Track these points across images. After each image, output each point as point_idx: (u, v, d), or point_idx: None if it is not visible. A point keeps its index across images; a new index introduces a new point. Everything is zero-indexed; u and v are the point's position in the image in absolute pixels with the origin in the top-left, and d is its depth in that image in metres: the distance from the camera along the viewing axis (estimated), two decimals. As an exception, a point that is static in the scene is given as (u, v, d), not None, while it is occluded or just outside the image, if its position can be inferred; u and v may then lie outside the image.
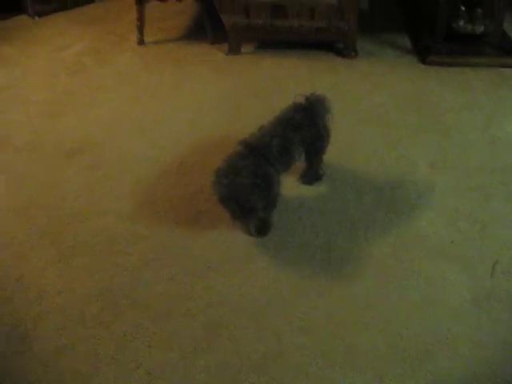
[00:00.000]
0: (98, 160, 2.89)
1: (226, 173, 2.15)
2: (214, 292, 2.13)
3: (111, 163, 2.86)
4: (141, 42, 4.07)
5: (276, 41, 3.98)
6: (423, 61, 3.70)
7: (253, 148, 2.23)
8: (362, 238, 2.35)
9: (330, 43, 3.95)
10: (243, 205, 2.14)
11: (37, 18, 4.52)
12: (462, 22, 3.59)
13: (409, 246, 2.32)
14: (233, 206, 2.16)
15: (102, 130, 3.14)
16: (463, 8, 3.55)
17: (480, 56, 3.63)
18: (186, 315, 2.05)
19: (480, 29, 3.59)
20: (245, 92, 3.47)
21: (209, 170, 2.28)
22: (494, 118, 3.14)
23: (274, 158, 2.24)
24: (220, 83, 3.60)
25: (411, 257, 2.26)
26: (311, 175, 2.65)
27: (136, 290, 2.15)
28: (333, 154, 2.71)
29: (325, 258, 2.26)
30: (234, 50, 3.90)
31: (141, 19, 3.97)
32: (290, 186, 2.61)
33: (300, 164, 2.57)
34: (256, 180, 2.13)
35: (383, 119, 3.15)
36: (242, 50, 3.95)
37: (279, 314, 2.04)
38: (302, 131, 2.37)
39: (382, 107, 3.27)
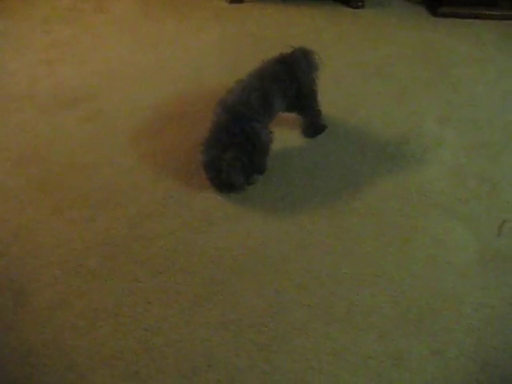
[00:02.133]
0: (97, 110, 2.80)
1: (211, 145, 2.18)
2: (215, 247, 2.08)
3: (110, 113, 2.77)
4: (140, -13, 3.90)
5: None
6: (433, 12, 3.55)
7: (233, 110, 2.19)
8: (367, 192, 2.28)
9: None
10: (223, 179, 2.20)
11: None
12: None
13: (414, 202, 2.25)
14: (214, 178, 2.23)
15: (100, 80, 3.04)
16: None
17: (493, 8, 3.48)
18: (185, 271, 2.00)
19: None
20: (247, 41, 3.35)
21: (209, 121, 2.24)
22: (506, 72, 3.03)
23: (255, 113, 2.21)
24: (222, 31, 3.47)
25: (416, 213, 2.20)
26: (312, 127, 2.57)
27: (135, 244, 2.09)
28: (336, 108, 2.63)
29: (326, 213, 2.20)
30: (237, -2, 3.74)
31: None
32: (291, 138, 2.53)
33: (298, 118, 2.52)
34: (239, 155, 2.16)
35: (389, 72, 3.05)
36: (245, -2, 3.79)
37: (280, 270, 1.99)
38: (281, 83, 2.31)
39: (389, 59, 3.15)
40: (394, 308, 1.87)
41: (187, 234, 2.14)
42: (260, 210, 2.22)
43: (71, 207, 2.26)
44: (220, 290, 1.94)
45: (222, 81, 2.88)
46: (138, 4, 3.80)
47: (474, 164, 2.44)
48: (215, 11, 3.70)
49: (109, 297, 1.92)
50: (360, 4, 3.63)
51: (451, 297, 1.89)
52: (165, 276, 1.99)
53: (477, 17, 3.48)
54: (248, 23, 3.55)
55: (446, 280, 1.95)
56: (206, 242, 2.11)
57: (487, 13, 3.48)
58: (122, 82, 2.99)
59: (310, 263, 2.01)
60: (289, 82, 2.31)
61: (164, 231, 2.15)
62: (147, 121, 2.69)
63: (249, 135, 2.17)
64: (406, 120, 2.68)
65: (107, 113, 2.77)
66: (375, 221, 2.17)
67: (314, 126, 2.54)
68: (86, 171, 2.43)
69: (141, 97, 2.87)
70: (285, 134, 2.54)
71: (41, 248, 2.10)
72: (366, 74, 3.02)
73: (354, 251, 2.05)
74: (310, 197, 2.26)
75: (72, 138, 2.63)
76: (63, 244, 2.11)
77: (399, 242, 2.09)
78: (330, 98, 2.62)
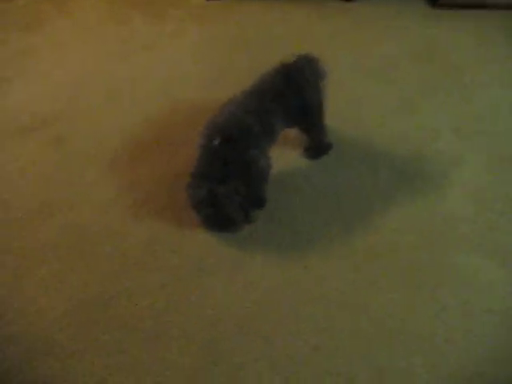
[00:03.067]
0: (62, 135, 2.43)
1: (203, 178, 1.81)
2: (212, 304, 1.77)
3: (78, 139, 2.41)
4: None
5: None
6: (433, 3, 3.23)
7: (226, 135, 1.81)
8: (382, 224, 1.98)
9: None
10: (221, 217, 1.82)
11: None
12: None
13: (437, 234, 1.95)
14: (209, 216, 1.84)
15: (64, 99, 2.66)
16: None
17: (497, -4, 3.17)
18: (178, 336, 1.68)
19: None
20: (229, 43, 3.00)
21: (193, 143, 1.89)
22: (521, 73, 2.72)
23: (253, 139, 1.85)
24: (199, 34, 3.11)
25: (441, 249, 1.91)
26: (316, 148, 2.24)
27: (116, 304, 1.76)
28: (338, 119, 2.31)
29: (340, 253, 1.89)
30: (216, -6, 3.38)
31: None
32: (292, 160, 2.21)
33: (300, 135, 2.18)
34: (237, 188, 1.81)
35: (393, 74, 2.72)
36: (225, -8, 3.43)
37: (290, 329, 1.70)
38: (284, 99, 1.95)
39: (391, 59, 2.83)
40: (431, 373, 1.56)
41: (178, 288, 1.81)
42: (262, 254, 1.89)
43: (38, 261, 1.90)
44: (221, 358, 1.62)
45: (204, 95, 2.56)
46: (104, 5, 3.40)
47: (498, 183, 2.14)
48: (192, 10, 3.33)
49: (89, 377, 1.58)
50: (350, -4, 3.28)
51: (497, 359, 1.59)
52: (154, 344, 1.67)
53: (481, 6, 3.17)
54: (229, 23, 3.19)
55: (487, 336, 1.65)
56: (200, 297, 1.78)
57: (492, 1, 3.16)
58: (90, 101, 2.62)
59: (325, 319, 1.71)
60: (292, 97, 1.97)
61: (151, 286, 1.82)
62: (121, 146, 2.34)
63: (247, 164, 1.83)
64: (419, 133, 2.36)
65: (74, 138, 2.40)
66: (395, 260, 1.86)
67: (317, 145, 2.22)
68: (52, 211, 2.07)
69: (112, 118, 2.51)
70: (284, 156, 2.21)
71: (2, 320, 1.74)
72: (368, 78, 2.69)
73: (375, 302, 1.75)
74: (320, 233, 1.95)
75: (33, 169, 2.26)
76: (29, 313, 1.76)
77: (427, 287, 1.79)
78: (329, 107, 2.29)
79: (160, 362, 1.62)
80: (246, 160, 1.83)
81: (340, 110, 2.41)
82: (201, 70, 2.79)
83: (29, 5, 3.39)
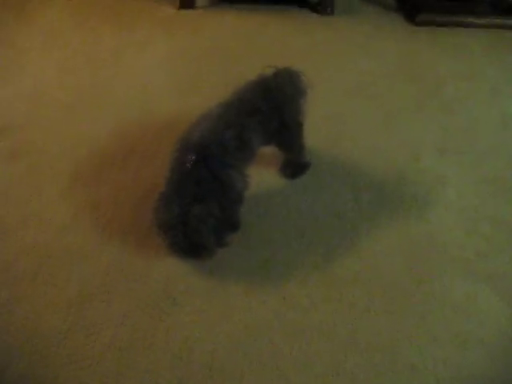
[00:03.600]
0: (20, 147, 2.23)
1: (173, 200, 1.62)
2: (182, 338, 1.59)
3: (37, 151, 2.22)
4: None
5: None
6: (412, 20, 3.16)
7: (201, 152, 1.65)
8: (367, 248, 1.85)
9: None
10: (192, 242, 1.63)
11: None
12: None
13: (424, 258, 1.83)
14: (178, 241, 1.64)
15: (24, 107, 2.46)
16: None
17: (476, 15, 3.12)
18: (144, 377, 1.49)
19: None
20: (202, 56, 2.84)
21: (161, 160, 1.78)
22: (500, 90, 2.65)
23: (230, 157, 1.70)
24: (171, 45, 2.94)
25: (429, 275, 1.78)
26: (293, 166, 2.10)
27: (71, 340, 1.57)
28: (317, 137, 2.18)
29: (322, 281, 1.74)
30: (187, 3, 3.22)
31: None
32: (268, 179, 2.06)
33: (276, 152, 2.03)
34: (212, 210, 1.63)
35: (372, 91, 2.61)
36: (198, 3, 3.27)
37: (271, 368, 1.53)
38: (261, 115, 1.80)
39: (370, 76, 2.72)
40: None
41: (143, 320, 1.63)
42: (236, 283, 1.73)
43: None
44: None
45: (175, 107, 2.40)
46: (67, 11, 3.22)
47: (484, 204, 2.04)
48: (162, 20, 3.17)
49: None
50: (329, 10, 3.18)
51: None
52: (116, 385, 1.47)
53: (458, 25, 3.11)
54: (202, 34, 3.04)
55: (482, 368, 1.52)
56: (167, 331, 1.61)
57: (469, 20, 3.11)
58: (53, 111, 2.42)
59: (307, 356, 1.54)
60: (270, 114, 1.82)
61: (112, 318, 1.63)
62: (84, 161, 2.14)
63: (222, 185, 1.66)
64: (400, 152, 2.25)
65: (31, 152, 2.20)
66: (381, 288, 1.73)
67: (295, 164, 2.07)
68: (5, 231, 1.88)
69: (75, 129, 2.32)
70: (259, 174, 2.05)
71: None
72: (346, 94, 2.57)
73: (362, 335, 1.59)
74: (299, 259, 1.80)
75: (-13, 186, 2.05)
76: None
77: (415, 317, 1.65)
78: (307, 123, 2.14)
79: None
80: (222, 180, 1.67)
81: (318, 127, 2.28)
82: (172, 81, 2.63)
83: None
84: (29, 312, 1.65)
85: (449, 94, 2.61)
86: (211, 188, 1.65)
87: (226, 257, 1.79)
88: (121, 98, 2.50)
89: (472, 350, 1.57)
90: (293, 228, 1.89)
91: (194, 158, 1.64)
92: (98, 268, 1.76)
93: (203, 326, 1.61)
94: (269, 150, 2.03)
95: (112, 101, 2.49)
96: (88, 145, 2.22)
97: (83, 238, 1.85)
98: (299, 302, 1.67)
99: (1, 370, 1.51)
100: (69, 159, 2.16)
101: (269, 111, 1.81)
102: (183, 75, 2.68)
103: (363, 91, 2.59)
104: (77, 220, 1.92)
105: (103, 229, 1.88)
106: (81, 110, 2.44)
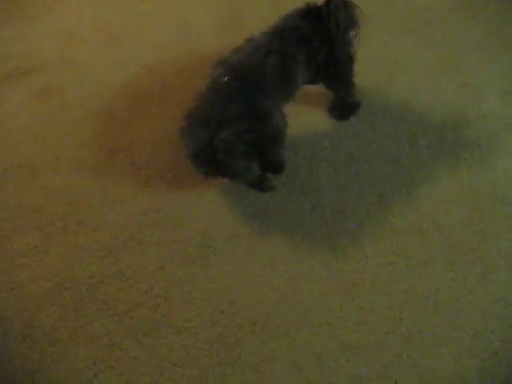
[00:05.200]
0: (50, 86, 2.11)
1: (201, 121, 1.47)
2: (222, 289, 1.49)
3: (70, 88, 2.09)
4: None
5: None
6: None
7: (238, 73, 1.52)
8: (424, 199, 1.68)
9: None
10: (223, 166, 1.47)
11: None
12: None
13: (487, 211, 1.66)
14: (205, 165, 1.50)
15: (57, 43, 2.33)
16: None
17: None
18: (180, 328, 1.40)
19: None
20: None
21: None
22: None
23: (268, 85, 1.55)
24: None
25: (492, 229, 1.62)
26: (343, 106, 1.93)
27: (106, 288, 1.49)
28: (368, 76, 2.00)
29: (376, 232, 1.59)
30: None
31: None
32: (315, 120, 1.89)
33: (325, 91, 1.85)
34: (241, 135, 1.45)
35: (429, 29, 2.37)
36: None
37: (320, 324, 1.42)
38: (308, 45, 1.64)
39: (426, 14, 2.46)
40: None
41: (181, 269, 1.53)
42: (282, 231, 1.60)
43: (17, 229, 1.61)
44: (232, 357, 1.35)
45: (215, 43, 2.23)
46: None
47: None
48: None
49: (71, 373, 1.30)
50: None
51: None
52: (152, 337, 1.38)
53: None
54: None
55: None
56: (207, 282, 1.50)
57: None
58: (85, 49, 2.29)
59: (358, 312, 1.42)
60: (318, 44, 1.65)
61: (148, 266, 1.53)
62: (119, 99, 2.02)
63: (257, 114, 1.51)
64: (460, 94, 2.04)
65: (64, 90, 2.09)
66: (440, 241, 1.58)
67: (345, 104, 1.90)
68: (36, 172, 1.77)
69: (109, 68, 2.18)
70: (306, 115, 1.90)
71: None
72: (399, 31, 2.35)
73: (419, 291, 1.45)
74: (350, 208, 1.64)
75: (16, 123, 1.96)
76: (5, 288, 1.49)
77: (477, 274, 1.50)
78: (358, 62, 1.94)
79: (158, 359, 1.35)
80: (257, 109, 1.52)
81: (370, 66, 2.09)
82: (212, 17, 2.44)
83: None
84: (61, 256, 1.57)
85: (510, 32, 2.35)
86: (242, 113, 1.49)
87: (271, 202, 1.66)
88: (158, 35, 2.33)
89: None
90: (343, 173, 1.74)
91: (227, 78, 1.50)
92: (133, 212, 1.65)
93: (246, 278, 1.50)
94: (316, 88, 1.86)
95: (149, 38, 2.32)
96: (122, 83, 2.08)
97: (118, 180, 1.74)
98: (350, 254, 1.54)
99: (33, 315, 1.43)
100: (103, 97, 2.03)
101: (317, 42, 1.64)
102: (224, 10, 2.48)
103: (418, 29, 2.36)
104: (111, 161, 1.80)
105: (139, 170, 1.76)
106: (115, 50, 2.28)
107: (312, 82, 1.79)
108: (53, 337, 1.41)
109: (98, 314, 1.44)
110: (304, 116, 1.89)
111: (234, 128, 1.46)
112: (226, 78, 1.51)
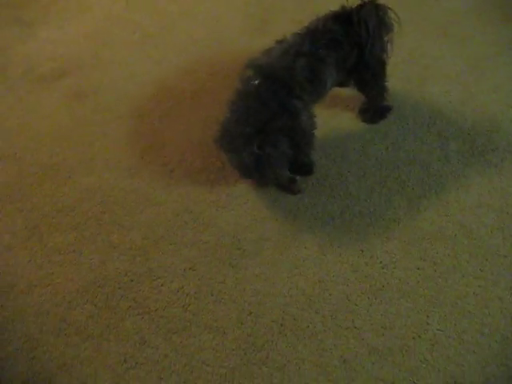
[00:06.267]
0: (84, 87, 2.17)
1: (237, 133, 1.52)
2: (252, 291, 1.52)
3: (102, 91, 2.15)
4: None
5: None
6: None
7: (268, 76, 1.55)
8: (454, 204, 1.67)
9: None
10: (264, 176, 1.57)
11: None
12: None
13: (516, 218, 1.63)
14: (250, 175, 1.61)
15: (90, 44, 2.39)
16: None
17: None
18: (210, 328, 1.43)
19: None
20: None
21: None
22: None
23: (299, 86, 1.57)
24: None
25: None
26: (373, 110, 1.94)
27: (138, 287, 1.54)
28: (399, 80, 2.00)
29: (404, 236, 1.60)
30: None
31: None
32: (346, 123, 1.90)
33: (356, 94, 1.86)
34: (283, 145, 1.53)
35: (460, 32, 2.35)
36: None
37: (346, 327, 1.43)
38: (339, 48, 1.65)
39: (456, 16, 2.44)
40: None
41: (212, 270, 1.56)
42: (311, 233, 1.62)
43: (52, 228, 1.66)
44: (261, 357, 1.37)
45: (246, 45, 2.25)
46: None
47: None
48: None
49: (103, 370, 1.35)
50: None
51: None
52: (182, 336, 1.42)
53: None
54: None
55: None
56: (237, 282, 1.52)
57: None
58: (118, 49, 2.33)
59: (387, 315, 1.43)
60: (349, 47, 1.66)
61: (180, 266, 1.57)
62: (151, 101, 2.06)
63: (289, 115, 1.54)
64: (492, 98, 2.02)
65: (98, 91, 2.14)
66: (469, 247, 1.57)
67: (376, 107, 1.91)
68: (70, 172, 1.82)
69: (141, 68, 2.22)
70: (336, 117, 1.91)
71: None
72: (430, 34, 2.33)
73: (447, 297, 1.45)
74: (379, 211, 1.65)
75: (51, 124, 2.02)
76: (40, 285, 1.55)
77: (507, 282, 1.49)
78: (389, 64, 1.95)
79: (188, 358, 1.38)
80: (288, 110, 1.55)
81: (401, 69, 2.08)
82: (243, 18, 2.46)
83: None
84: (94, 254, 1.62)
85: (547, 35, 2.32)
86: (278, 119, 1.52)
87: (300, 205, 1.67)
88: (189, 36, 2.37)
89: None
90: (372, 177, 1.75)
91: (257, 81, 1.53)
92: (164, 213, 1.69)
93: (274, 279, 1.52)
94: (347, 91, 1.87)
95: (180, 38, 2.36)
96: (155, 84, 2.12)
97: (150, 181, 1.78)
98: (378, 257, 1.54)
99: (67, 311, 1.48)
100: (135, 99, 2.07)
101: (348, 45, 1.65)
102: (256, 12, 2.50)
103: (447, 32, 2.33)
104: (143, 162, 1.84)
105: (171, 171, 1.80)
106: (146, 50, 2.33)
107: (342, 84, 1.81)
108: (86, 333, 1.45)
109: (130, 312, 1.48)
110: (334, 118, 1.90)
111: (279, 143, 1.51)
112: (256, 81, 1.54)
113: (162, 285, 1.53)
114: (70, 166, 1.86)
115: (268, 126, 1.51)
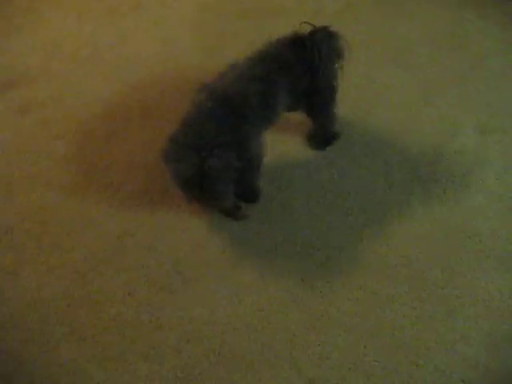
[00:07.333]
0: (31, 101, 2.10)
1: (185, 144, 1.47)
2: (189, 318, 1.50)
3: (50, 104, 2.11)
4: None
5: None
6: (460, -17, 2.88)
7: (222, 100, 1.53)
8: (396, 233, 1.70)
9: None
10: (207, 192, 1.48)
11: None
12: None
13: (458, 248, 1.69)
14: (192, 190, 1.51)
15: (40, 56, 2.34)
16: None
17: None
18: (148, 357, 1.39)
19: None
20: (229, 10, 2.64)
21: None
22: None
23: (252, 111, 1.56)
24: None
25: (462, 266, 1.64)
26: (321, 136, 1.95)
27: (75, 312, 1.49)
28: (347, 106, 2.01)
29: (345, 267, 1.61)
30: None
31: None
32: (293, 149, 1.91)
33: (304, 119, 1.88)
34: (232, 163, 1.48)
35: (411, 60, 2.41)
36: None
37: (285, 357, 1.43)
38: (291, 74, 1.66)
39: (409, 43, 2.50)
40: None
41: (151, 295, 1.54)
42: (253, 261, 1.62)
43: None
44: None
45: (198, 64, 2.25)
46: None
47: (527, 191, 1.85)
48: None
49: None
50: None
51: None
52: (118, 363, 1.39)
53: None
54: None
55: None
56: (177, 308, 1.50)
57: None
58: (68, 64, 2.30)
59: (325, 347, 1.43)
60: (301, 72, 1.68)
61: (118, 290, 1.54)
62: (99, 118, 2.02)
63: (240, 140, 1.52)
64: (437, 127, 2.07)
65: (43, 105, 2.10)
66: (408, 278, 1.60)
67: (324, 133, 1.93)
68: (11, 191, 1.78)
69: (89, 84, 2.19)
70: (283, 142, 1.92)
71: None
72: (381, 60, 2.38)
73: (384, 328, 1.47)
74: (322, 240, 1.66)
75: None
76: None
77: (443, 312, 1.53)
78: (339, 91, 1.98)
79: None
80: (240, 135, 1.53)
81: (350, 95, 2.11)
82: (196, 37, 2.46)
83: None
84: (32, 276, 1.58)
85: (494, 66, 2.38)
86: (230, 140, 1.49)
87: (243, 231, 1.67)
88: (141, 53, 2.35)
89: (504, 351, 1.44)
90: (317, 204, 1.76)
91: (211, 104, 1.51)
92: (106, 235, 1.66)
93: (214, 307, 1.51)
94: (295, 116, 1.88)
95: (132, 55, 2.34)
96: (103, 101, 2.09)
97: (93, 202, 1.75)
98: (319, 287, 1.56)
99: (1, 336, 1.43)
100: (82, 115, 2.04)
101: (300, 70, 1.67)
102: (209, 31, 2.50)
103: (401, 59, 2.39)
104: (87, 182, 1.81)
105: (114, 192, 1.77)
106: (98, 64, 2.30)
107: (293, 109, 1.82)
108: (18, 360, 1.41)
109: (65, 338, 1.44)
110: (281, 144, 1.91)
111: (225, 155, 1.47)
112: (210, 104, 1.53)
113: (99, 311, 1.50)
114: (12, 183, 1.81)
115: (217, 140, 1.48)
